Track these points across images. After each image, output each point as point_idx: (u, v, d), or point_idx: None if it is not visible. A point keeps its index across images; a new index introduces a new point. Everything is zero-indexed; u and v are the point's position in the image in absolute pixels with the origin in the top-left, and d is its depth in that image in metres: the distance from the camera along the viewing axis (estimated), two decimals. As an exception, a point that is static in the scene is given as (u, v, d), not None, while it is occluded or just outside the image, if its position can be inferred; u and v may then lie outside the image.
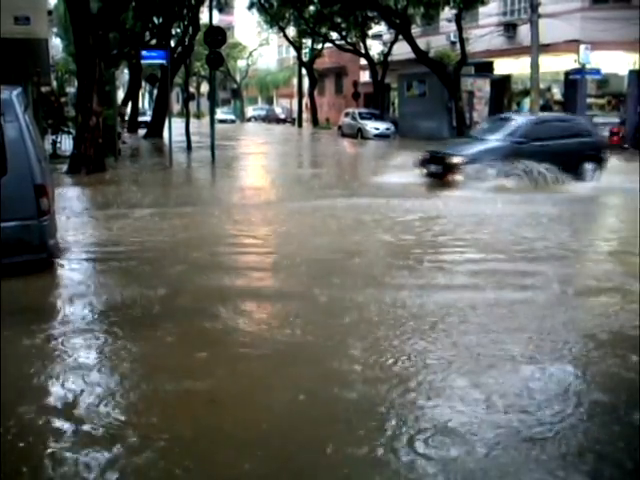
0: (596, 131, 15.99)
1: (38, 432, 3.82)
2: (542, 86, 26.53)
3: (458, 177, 13.97)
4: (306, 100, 47.85)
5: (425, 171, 14.91)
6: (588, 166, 14.81)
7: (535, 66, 24.86)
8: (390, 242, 8.92)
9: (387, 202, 11.92)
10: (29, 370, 4.62)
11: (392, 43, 35.14)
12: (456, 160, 14.26)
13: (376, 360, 4.76)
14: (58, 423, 3.91)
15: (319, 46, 44.26)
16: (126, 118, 36.08)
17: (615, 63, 26.19)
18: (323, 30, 39.71)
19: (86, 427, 3.84)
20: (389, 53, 36.10)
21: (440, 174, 14.40)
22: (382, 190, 13.58)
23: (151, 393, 4.36)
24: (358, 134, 32.81)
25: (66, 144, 19.99)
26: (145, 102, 60.03)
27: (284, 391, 4.37)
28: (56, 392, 4.34)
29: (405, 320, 5.62)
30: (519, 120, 15.51)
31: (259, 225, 10.57)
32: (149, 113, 39.83)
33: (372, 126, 32.93)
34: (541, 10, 24.63)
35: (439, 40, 32.60)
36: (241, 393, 4.40)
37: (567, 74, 26.69)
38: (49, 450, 3.63)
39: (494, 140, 14.77)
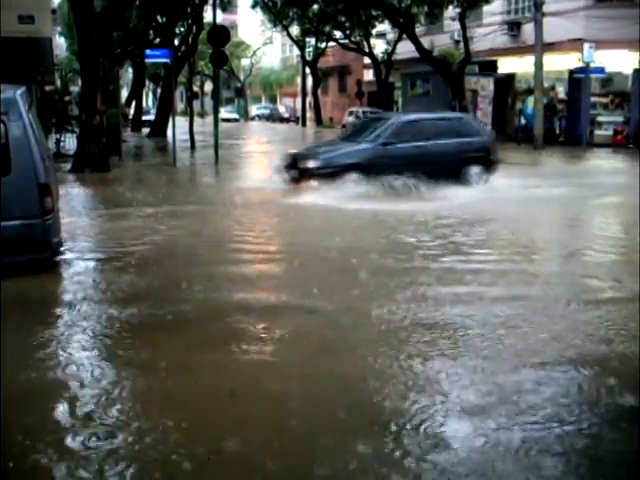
0: (485, 131, 14.51)
1: (44, 438, 3.84)
2: (546, 85, 26.51)
3: (312, 183, 12.66)
4: (310, 99, 47.82)
5: (287, 176, 13.50)
6: (474, 169, 13.46)
7: (539, 65, 24.83)
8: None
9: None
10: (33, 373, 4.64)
11: (396, 42, 35.09)
12: (311, 165, 13.00)
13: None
14: (74, 423, 3.94)
15: (323, 45, 44.26)
16: (129, 117, 36.16)
17: (619, 62, 26.10)
18: (327, 29, 39.69)
19: (107, 423, 3.88)
20: (393, 52, 36.05)
21: (297, 179, 13.16)
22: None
23: (168, 390, 4.39)
24: (362, 133, 32.70)
25: (70, 143, 20.01)
26: (149, 101, 60.08)
27: (298, 388, 4.42)
28: (73, 389, 4.37)
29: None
30: (390, 120, 14.14)
31: (259, 223, 10.61)
32: (153, 112, 39.87)
33: (376, 125, 32.83)
34: (545, 9, 24.59)
35: (443, 39, 32.55)
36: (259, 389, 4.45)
37: (571, 73, 26.65)
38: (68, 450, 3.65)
39: (359, 142, 13.55)
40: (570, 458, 3.55)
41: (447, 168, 12.92)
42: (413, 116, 14.97)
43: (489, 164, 13.77)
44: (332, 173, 12.51)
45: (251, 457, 3.60)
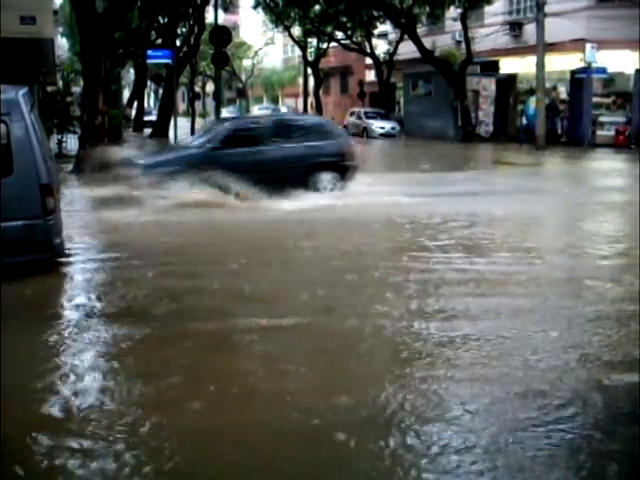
0: (342, 135, 13.53)
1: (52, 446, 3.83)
2: (548, 85, 26.47)
3: (135, 191, 11.44)
4: (311, 99, 47.80)
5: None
6: (325, 176, 12.39)
7: (541, 65, 24.81)
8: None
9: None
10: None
11: (397, 42, 35.11)
12: (131, 172, 11.89)
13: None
14: (74, 425, 3.94)
15: (324, 45, 44.18)
16: (131, 118, 36.19)
17: (621, 62, 26.07)
18: (328, 29, 39.66)
19: (110, 424, 3.87)
20: (394, 52, 36.06)
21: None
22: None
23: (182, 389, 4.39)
24: (364, 133, 32.79)
25: (72, 143, 20.03)
26: (151, 101, 60.13)
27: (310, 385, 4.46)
28: (83, 383, 4.38)
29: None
30: (225, 123, 13.25)
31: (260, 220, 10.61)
32: (155, 112, 39.91)
33: (378, 125, 32.93)
34: (547, 9, 24.58)
35: (444, 39, 32.55)
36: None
37: (573, 73, 26.62)
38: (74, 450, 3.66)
39: (191, 147, 12.69)
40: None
41: (290, 174, 11.98)
42: (251, 119, 14.01)
43: (343, 170, 12.60)
44: (155, 181, 11.40)
45: (255, 458, 3.61)
